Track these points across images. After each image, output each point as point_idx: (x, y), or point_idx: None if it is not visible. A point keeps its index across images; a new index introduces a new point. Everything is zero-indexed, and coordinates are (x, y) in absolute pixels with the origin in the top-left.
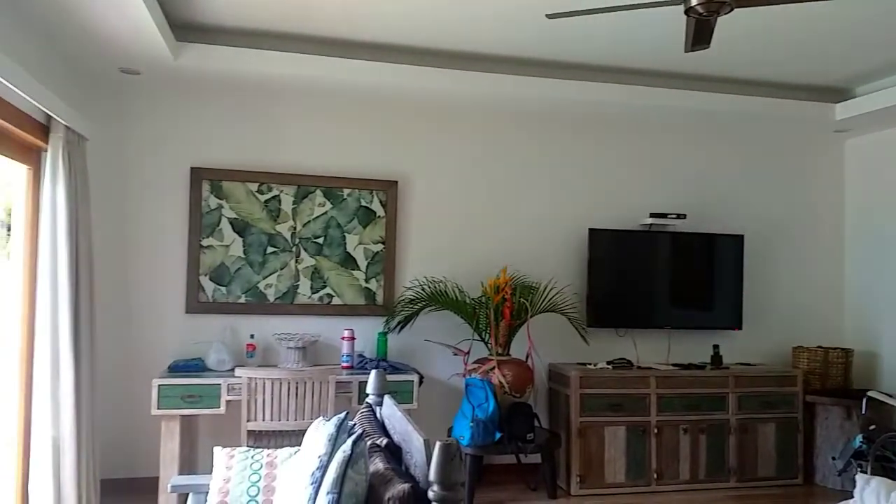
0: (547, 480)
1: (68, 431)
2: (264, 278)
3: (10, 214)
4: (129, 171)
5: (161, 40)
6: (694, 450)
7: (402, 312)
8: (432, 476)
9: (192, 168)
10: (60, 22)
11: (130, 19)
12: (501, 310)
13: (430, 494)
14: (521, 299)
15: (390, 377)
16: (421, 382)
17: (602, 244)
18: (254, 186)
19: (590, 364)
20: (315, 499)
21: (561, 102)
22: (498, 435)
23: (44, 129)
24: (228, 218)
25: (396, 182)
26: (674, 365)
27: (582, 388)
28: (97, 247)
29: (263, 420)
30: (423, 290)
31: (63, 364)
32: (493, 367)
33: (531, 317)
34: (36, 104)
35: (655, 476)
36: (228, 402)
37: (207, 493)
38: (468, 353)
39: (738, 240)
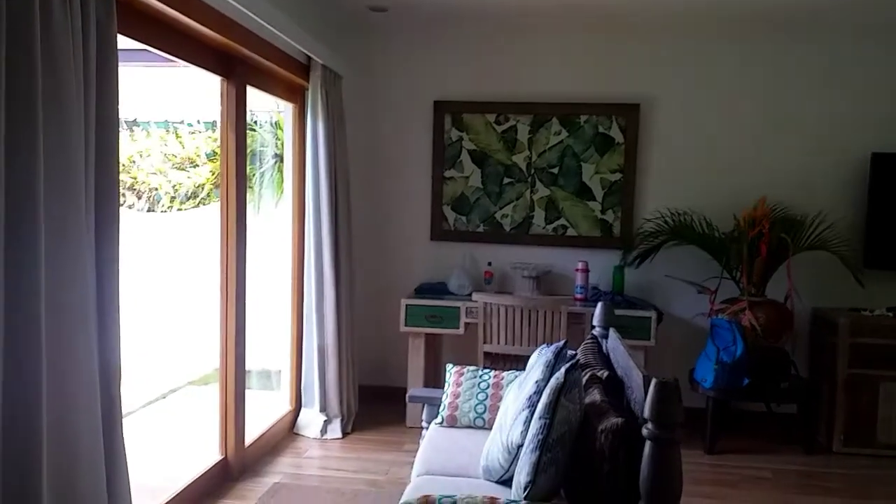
0: (803, 434)
1: (331, 342)
2: (500, 208)
3: (282, 148)
4: (377, 107)
5: None
6: None
7: (642, 246)
8: (647, 413)
9: (434, 102)
10: None
11: None
12: (757, 245)
13: (644, 432)
14: (781, 234)
15: (626, 312)
16: (660, 320)
17: (888, 171)
18: (491, 117)
19: (864, 310)
20: (530, 421)
21: None
22: (746, 381)
23: (304, 68)
24: (468, 149)
25: (638, 105)
26: None
27: (853, 337)
28: (352, 176)
29: (498, 343)
30: (665, 222)
31: (326, 283)
32: (744, 309)
33: (793, 254)
34: (297, 46)
35: None
36: (467, 324)
37: (440, 405)
38: (715, 291)
39: None
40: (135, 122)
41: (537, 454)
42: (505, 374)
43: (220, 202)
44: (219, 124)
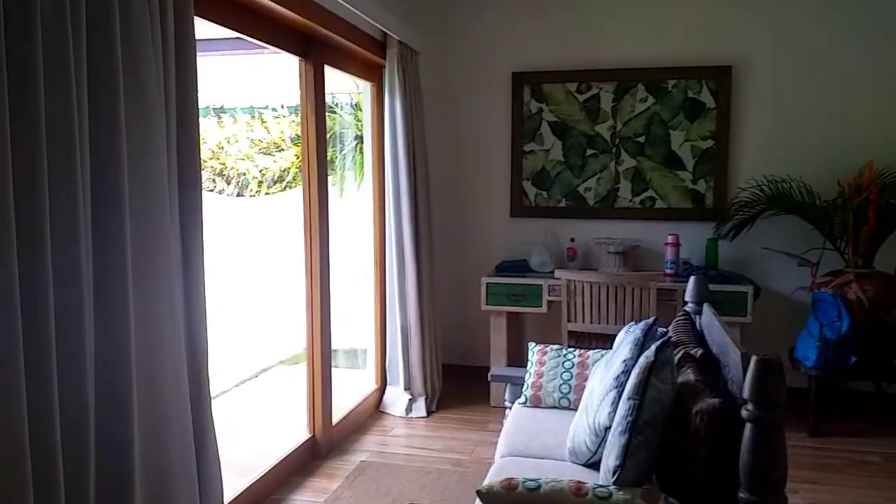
0: None
1: (413, 321)
2: (583, 182)
3: (363, 129)
4: (454, 82)
5: None
6: None
7: (737, 217)
8: (746, 393)
9: (513, 73)
10: None
11: None
12: (864, 213)
13: (744, 413)
14: (891, 200)
15: (720, 287)
16: (757, 295)
17: None
18: (573, 86)
19: None
20: (618, 402)
21: None
22: (853, 359)
23: (381, 46)
24: (548, 121)
25: (730, 67)
26: None
27: None
28: (430, 154)
29: (583, 322)
30: (761, 191)
31: (407, 262)
32: (850, 282)
33: None
34: (373, 23)
35: None
36: (550, 302)
37: (524, 384)
38: (817, 264)
39: None
40: (222, 109)
41: (626, 437)
42: (590, 352)
43: (301, 183)
44: (303, 108)
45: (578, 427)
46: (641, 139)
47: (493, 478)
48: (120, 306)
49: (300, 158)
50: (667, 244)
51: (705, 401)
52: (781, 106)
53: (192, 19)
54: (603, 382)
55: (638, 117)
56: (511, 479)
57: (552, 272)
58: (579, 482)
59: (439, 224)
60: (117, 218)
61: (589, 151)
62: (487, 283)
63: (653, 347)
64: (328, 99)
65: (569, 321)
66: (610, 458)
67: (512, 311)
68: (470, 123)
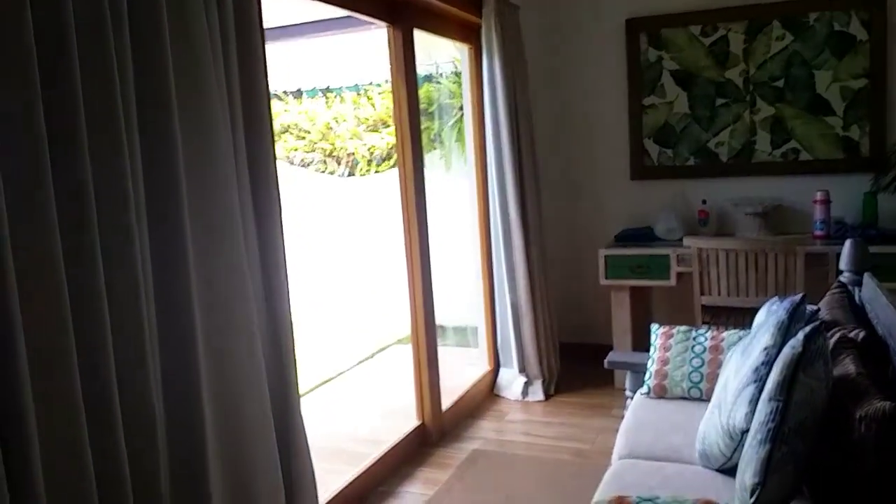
0: None
1: (523, 297)
2: (714, 136)
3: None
4: (560, 36)
5: None
6: None
7: None
8: None
9: (627, 20)
10: None
11: None
12: None
13: None
14: None
15: (883, 249)
16: None
17: None
18: (696, 29)
19: None
20: (757, 401)
21: None
22: None
23: (476, 4)
24: (670, 70)
25: None
26: None
27: None
28: (536, 117)
29: (719, 295)
30: None
31: (514, 234)
32: None
33: None
34: None
35: None
36: (679, 273)
37: (646, 372)
38: None
39: None
40: (328, 89)
41: (768, 448)
42: (725, 334)
43: (396, 156)
44: (393, 79)
45: (710, 427)
46: (780, 83)
47: (605, 490)
48: (183, 296)
49: None
50: (815, 202)
51: (872, 403)
52: None
53: None
54: (739, 374)
55: (774, 59)
56: (623, 498)
57: (680, 240)
58: (707, 502)
59: (551, 192)
60: (176, 223)
61: (719, 101)
62: (606, 256)
63: (801, 334)
64: (432, 69)
65: (702, 294)
66: (747, 474)
67: (636, 285)
68: (579, 80)
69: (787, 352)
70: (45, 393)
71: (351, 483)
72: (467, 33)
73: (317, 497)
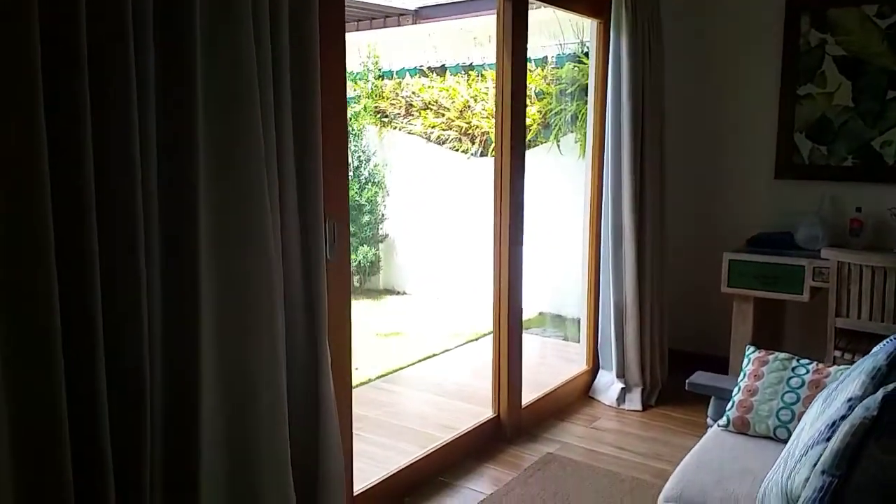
0: None
1: (630, 298)
2: (881, 134)
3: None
4: (709, 14)
5: None
6: None
7: None
8: None
9: None
10: None
11: None
12: None
13: None
14: None
15: None
16: None
17: None
18: (871, 9)
19: None
20: (815, 465)
21: None
22: None
23: None
24: (833, 56)
25: None
26: None
27: None
28: (669, 102)
29: (858, 318)
30: None
31: (626, 230)
32: None
33: None
34: None
35: None
36: (814, 289)
37: (730, 400)
38: None
39: None
40: (470, 67)
41: None
42: (831, 368)
43: (494, 139)
44: (499, 54)
45: (772, 483)
46: None
47: None
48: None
49: (544, 114)
50: None
51: None
52: None
53: None
54: (814, 426)
55: None
56: None
57: (820, 250)
58: None
59: (678, 186)
60: (190, 230)
61: (890, 94)
62: (731, 261)
63: (879, 394)
64: (576, 48)
65: (837, 315)
66: None
67: (763, 297)
68: (726, 63)
69: (858, 413)
70: None
71: (409, 465)
72: (598, 6)
73: (342, 492)
